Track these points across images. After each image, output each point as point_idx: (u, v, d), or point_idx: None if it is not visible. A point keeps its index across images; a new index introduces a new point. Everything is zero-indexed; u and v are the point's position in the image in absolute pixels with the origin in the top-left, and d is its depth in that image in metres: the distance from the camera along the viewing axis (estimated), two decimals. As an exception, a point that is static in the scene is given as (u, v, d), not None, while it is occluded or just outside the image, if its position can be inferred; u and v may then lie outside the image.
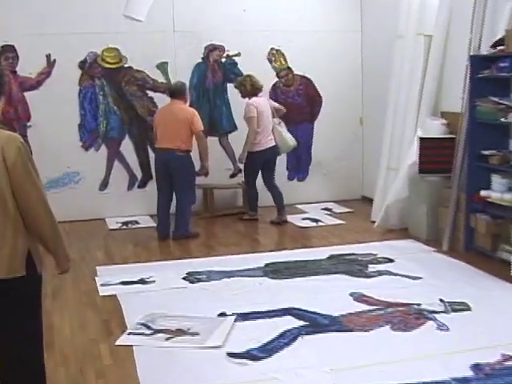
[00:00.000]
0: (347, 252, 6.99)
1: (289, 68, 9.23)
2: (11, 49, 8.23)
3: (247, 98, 8.16)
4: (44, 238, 3.23)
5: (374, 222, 8.21)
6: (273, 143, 8.20)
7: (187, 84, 8.57)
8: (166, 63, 8.77)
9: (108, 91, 8.57)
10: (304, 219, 8.56)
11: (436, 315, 5.15)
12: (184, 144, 7.36)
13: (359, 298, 5.59)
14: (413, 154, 7.61)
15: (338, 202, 9.53)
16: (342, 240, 7.49)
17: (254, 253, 7.06)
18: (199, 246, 7.39)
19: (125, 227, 8.34)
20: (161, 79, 8.76)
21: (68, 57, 8.42)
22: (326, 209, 9.24)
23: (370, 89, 9.46)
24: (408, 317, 5.12)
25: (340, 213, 8.94)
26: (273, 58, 9.14)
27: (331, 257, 6.84)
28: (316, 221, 8.44)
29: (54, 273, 3.45)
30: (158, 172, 7.63)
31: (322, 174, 9.62)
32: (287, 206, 8.79)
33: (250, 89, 8.16)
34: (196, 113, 7.48)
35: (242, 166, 8.57)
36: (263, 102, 8.18)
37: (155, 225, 7.99)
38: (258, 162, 8.21)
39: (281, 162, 9.14)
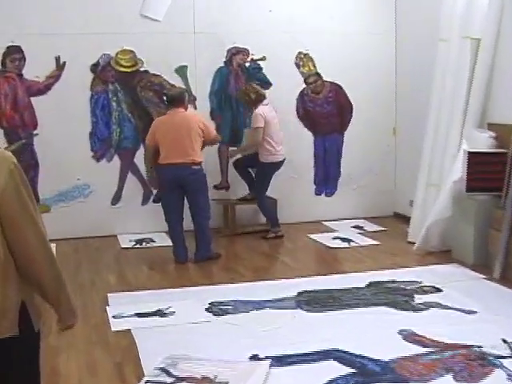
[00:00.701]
0: (387, 279, 6.27)
1: (318, 74, 8.53)
2: (18, 50, 7.58)
3: (253, 108, 7.65)
4: (43, 287, 2.49)
5: (411, 242, 7.52)
6: (284, 156, 7.74)
7: (207, 89, 7.94)
8: (186, 67, 8.11)
9: (122, 97, 7.89)
10: (335, 238, 7.84)
11: (503, 361, 4.41)
12: (197, 156, 6.72)
13: (410, 337, 4.86)
14: (458, 170, 6.89)
15: (368, 219, 8.81)
16: (380, 264, 6.77)
17: (283, 279, 6.35)
18: (222, 270, 6.69)
19: (138, 246, 7.65)
20: (180, 84, 8.03)
21: (79, 59, 7.77)
22: (356, 227, 8.54)
23: (404, 96, 8.77)
24: (471, 363, 4.39)
25: (372, 232, 8.22)
26: (300, 63, 8.43)
27: (371, 284, 6.13)
28: (348, 241, 7.72)
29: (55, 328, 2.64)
30: (170, 190, 6.88)
31: (351, 189, 8.92)
32: (314, 223, 8.39)
33: (255, 97, 7.63)
34: (203, 118, 7.03)
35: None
36: (269, 110, 7.67)
37: (171, 243, 7.26)
38: (271, 175, 7.80)
39: (307, 175, 8.59)
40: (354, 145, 8.86)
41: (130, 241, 7.83)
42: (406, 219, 8.32)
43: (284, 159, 7.84)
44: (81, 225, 7.91)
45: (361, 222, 8.72)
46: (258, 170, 7.84)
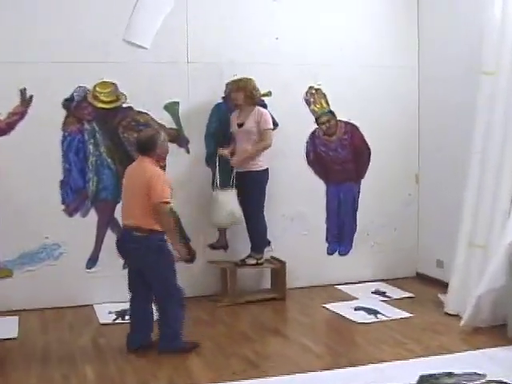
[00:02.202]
0: (441, 371, 4.96)
1: (331, 112, 7.27)
2: (-27, 81, 6.12)
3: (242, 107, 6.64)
4: None
5: (449, 314, 6.32)
6: None
7: (203, 130, 6.70)
8: (177, 103, 6.81)
9: (100, 139, 6.58)
10: (357, 309, 6.57)
11: None
12: (144, 221, 5.17)
13: None
14: (513, 229, 5.57)
15: (388, 282, 7.57)
16: (425, 347, 5.49)
17: (309, 371, 5.02)
18: (228, 358, 5.27)
19: (120, 320, 6.23)
20: (169, 124, 6.76)
21: (49, 93, 6.42)
22: (377, 292, 7.28)
23: (428, 138, 7.62)
24: None
25: (398, 299, 6.97)
26: (311, 99, 7.18)
27: (422, 380, 4.70)
28: (374, 312, 6.42)
29: None
30: (125, 261, 5.69)
31: (369, 246, 7.64)
32: (327, 287, 7.31)
33: (257, 96, 6.72)
34: (159, 174, 5.26)
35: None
36: None
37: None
38: (265, 183, 6.72)
39: (319, 231, 7.35)
40: (371, 195, 7.63)
41: (110, 313, 6.47)
42: (431, 281, 7.36)
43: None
44: (50, 293, 6.54)
45: (381, 286, 7.47)
46: (254, 182, 6.68)
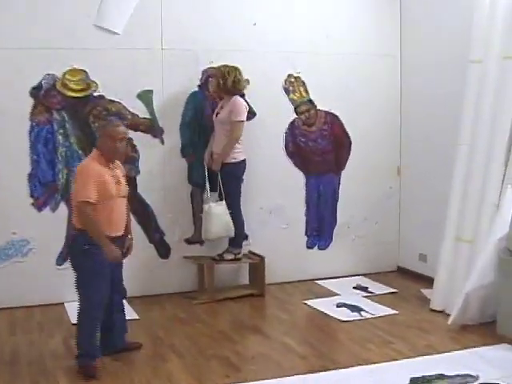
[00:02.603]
0: (432, 373, 4.74)
1: (310, 101, 7.00)
2: None
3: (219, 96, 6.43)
4: None
5: (435, 310, 6.14)
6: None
7: (178, 120, 6.46)
8: (151, 92, 6.49)
9: (70, 129, 6.24)
10: (340, 306, 6.36)
11: None
12: (73, 218, 4.80)
13: None
14: (504, 223, 5.35)
15: (369, 276, 7.36)
16: (412, 347, 5.28)
17: (294, 374, 4.75)
18: (213, 359, 4.94)
19: (92, 319, 5.77)
20: (143, 114, 6.43)
21: (16, 80, 6.07)
22: (359, 287, 7.05)
23: (411, 129, 7.39)
24: None
25: (381, 294, 6.76)
26: (290, 88, 6.89)
27: (414, 383, 4.47)
28: (357, 309, 6.22)
29: None
30: None
31: (349, 240, 7.40)
32: (306, 283, 7.07)
33: (231, 86, 6.26)
34: (87, 171, 4.65)
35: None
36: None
37: (134, 314, 5.88)
38: (242, 176, 6.45)
39: (298, 225, 7.08)
40: (352, 187, 7.38)
41: (81, 311, 5.98)
42: (413, 276, 7.20)
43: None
44: (18, 291, 6.21)
45: (362, 281, 7.25)
46: (230, 175, 6.38)
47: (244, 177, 6.51)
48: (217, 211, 6.31)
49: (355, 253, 7.44)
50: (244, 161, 6.38)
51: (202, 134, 6.58)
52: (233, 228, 6.38)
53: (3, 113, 6.01)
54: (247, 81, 6.55)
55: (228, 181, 6.35)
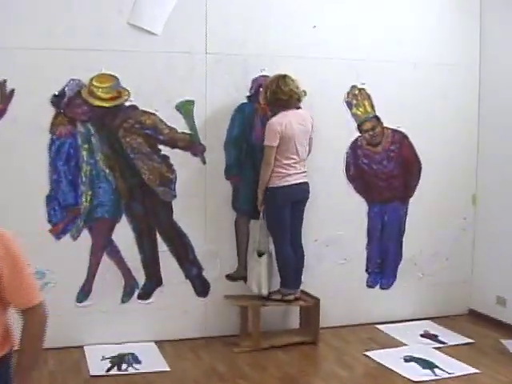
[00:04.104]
0: None
1: (376, 117, 6.00)
2: None
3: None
4: None
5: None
6: (304, 178, 5.51)
7: (222, 136, 5.65)
8: (192, 103, 5.57)
9: (97, 144, 5.36)
10: (408, 360, 5.37)
11: None
12: None
13: None
14: None
15: (437, 321, 6.37)
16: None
17: None
18: None
19: (115, 371, 5.07)
20: (182, 128, 5.55)
21: (35, 86, 5.18)
22: (427, 335, 6.04)
23: (489, 152, 6.40)
24: None
25: (455, 345, 5.75)
26: (354, 102, 5.93)
27: None
28: (430, 366, 5.28)
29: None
30: None
31: (415, 278, 6.45)
32: (366, 327, 6.08)
33: (270, 97, 5.35)
34: None
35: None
36: (297, 121, 5.43)
37: (165, 364, 5.05)
38: (284, 204, 5.42)
39: (357, 261, 6.17)
40: (420, 217, 6.39)
41: (104, 359, 5.27)
42: (488, 321, 6.30)
43: (302, 183, 5.53)
44: (30, 332, 5.12)
45: (430, 327, 6.25)
46: (267, 203, 5.49)
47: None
48: (251, 264, 5.63)
49: (422, 293, 6.49)
50: (285, 187, 5.45)
51: (250, 152, 5.65)
52: (266, 286, 5.60)
53: (19, 123, 5.16)
54: (304, 92, 5.57)
55: (266, 209, 5.53)
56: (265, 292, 5.54)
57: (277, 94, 5.32)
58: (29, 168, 5.25)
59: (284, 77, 5.33)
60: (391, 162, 6.15)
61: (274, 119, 5.38)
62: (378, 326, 6.19)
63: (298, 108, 5.50)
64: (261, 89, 5.64)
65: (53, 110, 5.26)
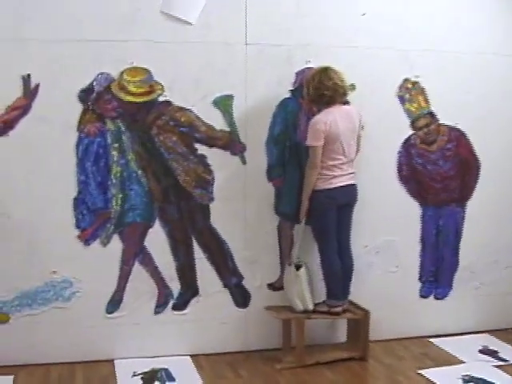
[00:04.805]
0: None
1: (431, 113, 5.48)
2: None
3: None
4: None
5: None
6: (351, 180, 5.03)
7: (264, 134, 5.21)
8: (231, 98, 5.13)
9: (128, 143, 4.97)
10: (467, 381, 4.91)
11: None
12: None
13: None
14: None
15: (496, 334, 5.86)
16: None
17: None
18: None
19: (149, 388, 4.53)
20: (220, 125, 5.11)
21: (61, 81, 4.79)
22: (487, 351, 5.54)
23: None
24: None
25: (519, 363, 5.09)
26: (407, 96, 5.43)
27: None
28: (495, 390, 4.57)
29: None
30: None
31: (472, 288, 5.94)
32: (418, 340, 5.62)
33: (313, 93, 4.86)
34: None
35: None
36: (343, 118, 4.93)
37: (200, 382, 4.67)
38: (329, 208, 4.96)
39: (410, 269, 5.71)
40: (479, 222, 5.87)
41: (135, 375, 4.91)
42: None
43: (350, 185, 5.06)
44: (57, 344, 4.98)
45: (489, 341, 5.75)
46: (311, 207, 5.02)
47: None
48: (288, 278, 5.18)
49: (479, 304, 5.99)
50: (329, 191, 4.99)
51: (294, 152, 5.19)
52: (311, 300, 5.19)
53: (44, 121, 4.80)
54: (352, 86, 5.09)
55: (310, 213, 5.05)
56: (311, 307, 5.08)
57: (320, 90, 4.85)
58: (55, 169, 4.87)
59: (326, 70, 4.87)
60: (447, 161, 5.66)
61: (318, 117, 4.92)
62: (432, 340, 5.73)
63: (345, 103, 5.01)
64: (305, 83, 5.14)
65: (80, 107, 4.87)
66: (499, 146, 5.80)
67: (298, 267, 5.11)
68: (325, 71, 4.85)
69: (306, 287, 5.09)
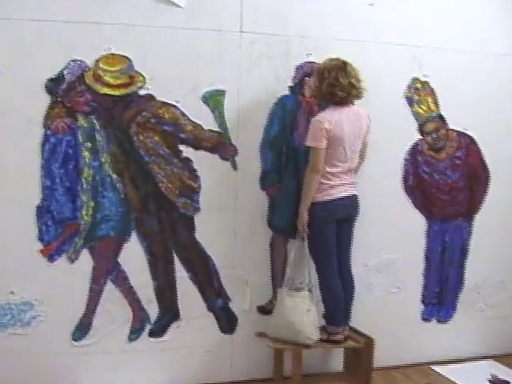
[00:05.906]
0: None
1: (441, 117, 4.90)
2: None
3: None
4: None
5: None
6: (351, 191, 4.45)
7: (259, 136, 4.62)
8: (222, 93, 4.52)
9: (102, 142, 4.35)
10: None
11: None
12: None
13: None
14: None
15: (504, 361, 5.38)
16: None
17: None
18: None
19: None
20: (209, 124, 4.50)
21: (24, 68, 4.13)
22: (496, 381, 5.02)
23: None
24: None
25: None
26: (415, 97, 4.88)
27: None
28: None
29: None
30: None
31: (477, 310, 5.43)
32: (419, 367, 5.12)
33: (326, 90, 4.25)
34: None
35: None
36: (349, 119, 4.32)
37: None
38: (327, 222, 4.36)
39: (412, 289, 5.16)
40: (486, 238, 5.36)
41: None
42: None
43: (351, 195, 4.46)
44: (15, 376, 4.32)
45: (497, 369, 5.26)
46: (309, 221, 4.38)
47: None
48: (289, 304, 4.48)
49: (485, 327, 5.51)
50: (326, 203, 4.39)
51: (292, 157, 4.61)
52: (305, 336, 4.47)
53: (3, 114, 4.11)
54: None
55: (309, 228, 4.42)
56: (316, 338, 4.46)
57: (334, 88, 4.24)
58: (15, 172, 4.20)
59: (345, 65, 4.27)
60: (456, 171, 5.13)
61: (322, 114, 4.32)
62: (435, 368, 5.24)
63: (352, 103, 4.39)
64: (306, 78, 4.54)
65: (48, 99, 4.21)
66: (508, 155, 5.32)
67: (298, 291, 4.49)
68: (343, 67, 4.25)
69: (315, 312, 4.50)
